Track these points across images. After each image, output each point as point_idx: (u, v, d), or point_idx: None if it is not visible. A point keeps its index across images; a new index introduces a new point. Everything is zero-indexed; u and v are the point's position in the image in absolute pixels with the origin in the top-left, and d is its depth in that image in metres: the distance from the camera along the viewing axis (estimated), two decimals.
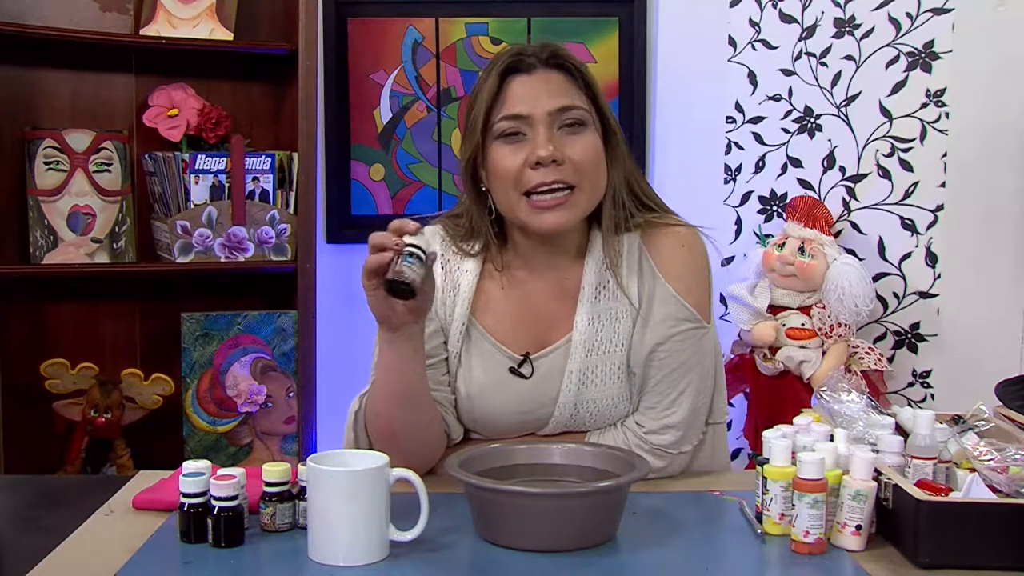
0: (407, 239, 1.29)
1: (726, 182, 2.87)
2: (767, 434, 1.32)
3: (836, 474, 1.23)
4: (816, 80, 2.82)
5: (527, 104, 1.43)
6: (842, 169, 2.84)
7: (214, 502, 1.21)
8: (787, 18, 2.82)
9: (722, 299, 2.79)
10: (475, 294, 1.52)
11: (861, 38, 2.80)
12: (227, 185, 2.48)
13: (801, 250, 2.67)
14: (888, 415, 1.42)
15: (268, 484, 1.25)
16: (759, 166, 2.86)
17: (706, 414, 1.52)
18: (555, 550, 1.19)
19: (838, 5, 2.80)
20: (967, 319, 2.82)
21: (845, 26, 2.81)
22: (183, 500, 1.23)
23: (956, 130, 2.79)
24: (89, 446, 2.44)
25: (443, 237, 1.55)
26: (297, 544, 1.21)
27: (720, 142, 2.86)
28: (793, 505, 1.21)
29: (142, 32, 2.48)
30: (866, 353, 2.70)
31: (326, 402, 2.57)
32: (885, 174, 2.82)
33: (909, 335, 2.85)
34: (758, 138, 2.85)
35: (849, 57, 2.81)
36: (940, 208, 2.81)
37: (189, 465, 1.26)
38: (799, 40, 2.82)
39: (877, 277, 2.80)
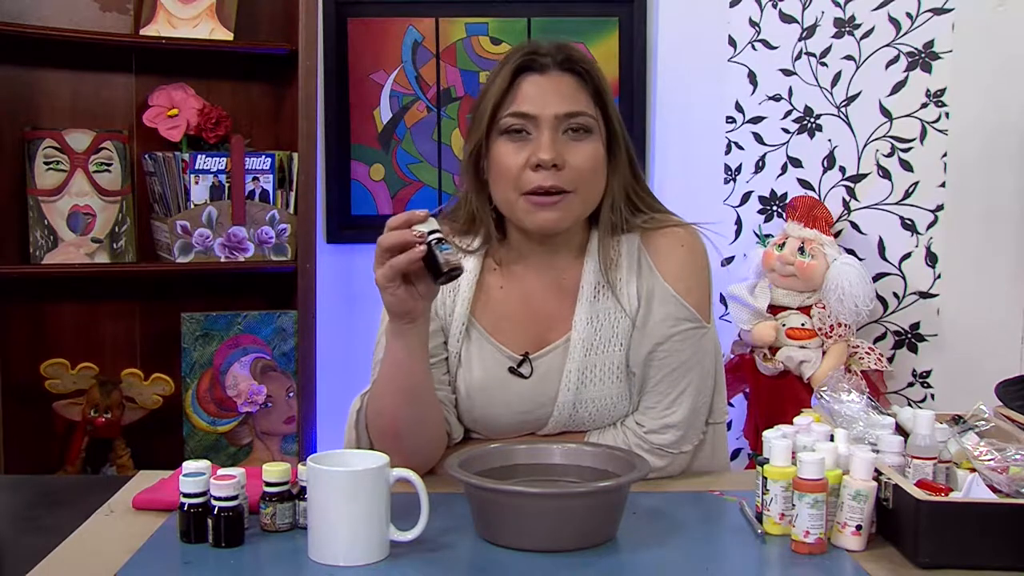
0: (425, 227, 1.30)
1: (726, 182, 2.87)
2: (767, 434, 1.32)
3: (836, 474, 1.22)
4: (816, 80, 2.82)
5: (536, 104, 1.43)
6: (842, 169, 2.84)
7: (214, 502, 1.21)
8: (787, 18, 2.82)
9: (722, 299, 2.79)
10: (475, 293, 1.52)
11: (861, 38, 2.80)
12: (227, 185, 2.48)
13: (801, 250, 2.67)
14: (888, 415, 1.42)
15: (268, 484, 1.25)
16: (759, 166, 2.86)
17: (706, 414, 1.52)
18: (555, 550, 1.19)
19: (838, 5, 2.80)
20: (967, 319, 2.82)
21: (845, 26, 2.81)
22: (183, 500, 1.23)
23: (956, 130, 2.79)
24: (89, 446, 2.44)
25: None
26: (297, 544, 1.21)
27: (720, 142, 2.86)
28: (793, 505, 1.21)
29: (142, 32, 2.48)
30: (866, 353, 2.70)
31: (326, 402, 2.57)
32: (885, 174, 2.82)
33: (909, 335, 2.85)
34: (758, 138, 2.85)
35: (849, 57, 2.81)
36: (940, 208, 2.81)
37: (189, 465, 1.25)
38: (799, 40, 2.82)
39: (877, 277, 2.80)
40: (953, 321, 2.83)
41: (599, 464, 1.33)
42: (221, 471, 1.25)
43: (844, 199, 2.83)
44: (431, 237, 1.30)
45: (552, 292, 1.52)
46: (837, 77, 2.82)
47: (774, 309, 2.72)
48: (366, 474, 1.17)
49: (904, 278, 2.83)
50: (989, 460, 1.28)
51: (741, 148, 2.86)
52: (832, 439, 1.31)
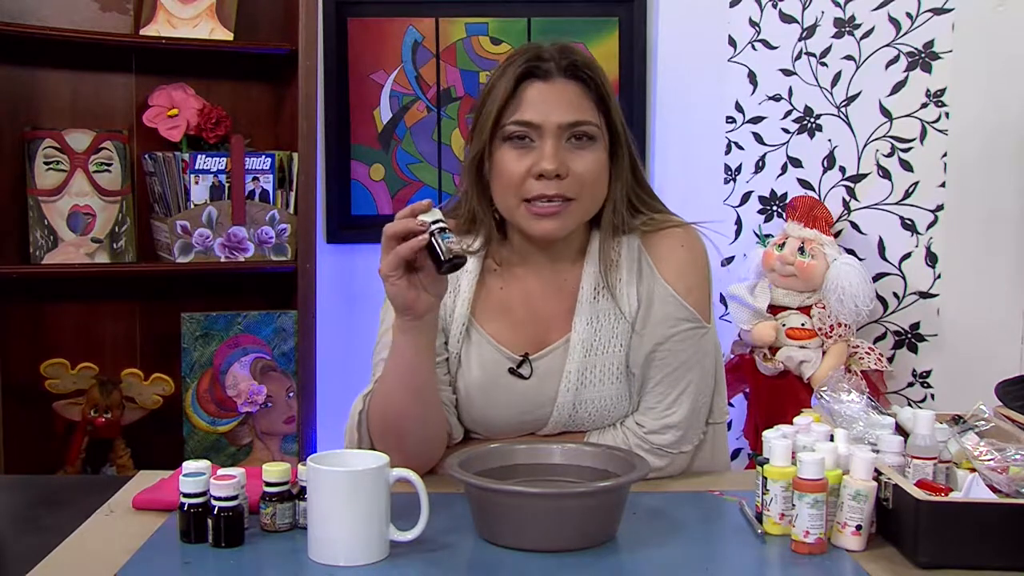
0: (428, 216, 1.31)
1: (726, 182, 2.87)
2: (767, 434, 1.32)
3: (836, 474, 1.23)
4: (816, 80, 2.82)
5: (540, 113, 1.43)
6: (842, 169, 2.84)
7: (214, 502, 1.21)
8: (787, 18, 2.82)
9: (722, 299, 2.79)
10: (475, 294, 1.52)
11: (861, 38, 2.80)
12: (227, 185, 2.48)
13: (801, 250, 2.67)
14: (888, 415, 1.42)
15: (268, 484, 1.25)
16: (759, 166, 2.86)
17: (706, 414, 1.52)
18: (555, 550, 1.19)
19: (838, 5, 2.80)
20: (967, 319, 2.82)
21: (845, 26, 2.81)
22: (183, 500, 1.23)
23: (956, 130, 2.79)
24: (89, 446, 2.44)
25: None
26: (297, 544, 1.21)
27: (720, 142, 2.86)
28: (793, 505, 1.21)
29: (142, 32, 2.48)
30: (866, 353, 2.70)
31: (326, 402, 2.56)
32: (885, 174, 2.82)
33: (909, 335, 2.85)
34: (758, 138, 2.85)
35: (849, 57, 2.81)
36: (940, 208, 2.81)
37: (189, 465, 1.25)
38: (799, 40, 2.82)
39: (877, 277, 2.80)
40: (953, 321, 2.83)
41: (599, 464, 1.33)
42: (221, 471, 1.25)
43: (844, 199, 2.83)
44: (434, 227, 1.30)
45: (552, 293, 1.52)
46: (837, 77, 2.82)
47: (774, 309, 2.72)
48: (366, 474, 1.17)
49: (904, 278, 2.83)
50: (989, 460, 1.28)
51: (741, 148, 2.86)
52: (832, 439, 1.31)
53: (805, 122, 2.84)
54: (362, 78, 2.85)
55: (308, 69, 2.47)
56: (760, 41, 2.83)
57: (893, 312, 2.85)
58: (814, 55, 2.82)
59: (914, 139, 2.80)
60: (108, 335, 2.59)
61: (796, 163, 2.85)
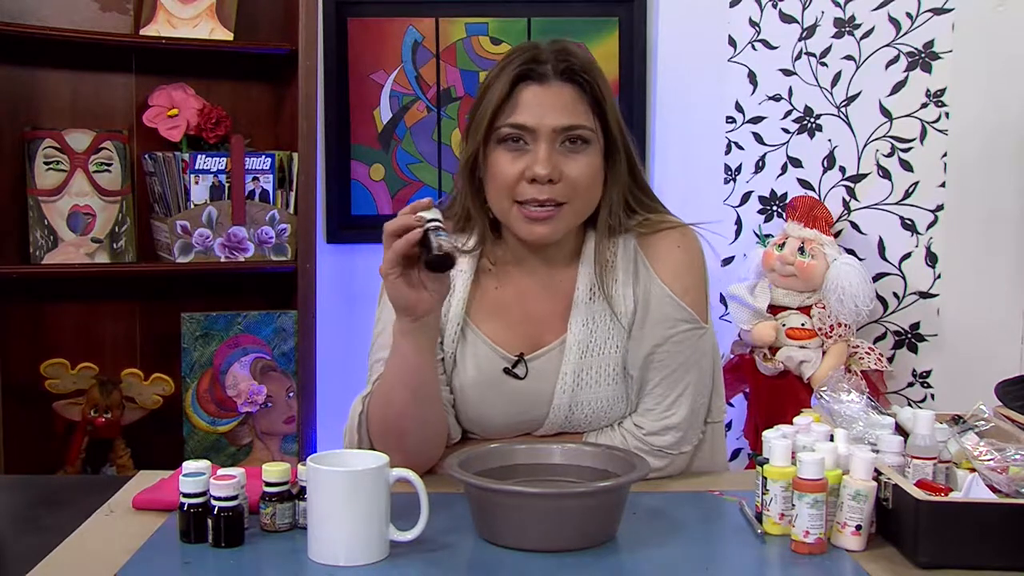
0: (428, 214, 1.32)
1: (726, 182, 2.87)
2: (767, 434, 1.32)
3: (836, 474, 1.22)
4: (816, 80, 2.82)
5: (534, 116, 1.43)
6: (842, 169, 2.84)
7: (214, 502, 1.21)
8: (787, 18, 2.82)
9: (722, 299, 2.79)
10: (470, 293, 1.52)
11: (861, 38, 2.80)
12: (227, 185, 2.48)
13: (801, 250, 2.67)
14: (888, 415, 1.42)
15: (268, 484, 1.25)
16: (759, 166, 2.86)
17: (705, 414, 1.52)
18: (555, 550, 1.19)
19: (838, 5, 2.80)
20: (967, 319, 2.82)
21: (845, 26, 2.81)
22: (183, 500, 1.23)
23: (956, 130, 2.79)
24: (89, 446, 2.44)
25: None
26: (297, 544, 1.21)
27: (720, 142, 2.86)
28: (793, 505, 1.21)
29: (142, 32, 2.48)
30: (866, 353, 2.70)
31: (326, 402, 2.57)
32: (885, 174, 2.82)
33: (909, 335, 2.85)
34: (758, 138, 2.85)
35: (849, 57, 2.81)
36: (940, 208, 2.81)
37: (189, 465, 1.25)
38: (799, 40, 2.82)
39: (877, 277, 2.80)
40: (953, 321, 2.83)
41: (599, 464, 1.33)
42: (221, 471, 1.25)
43: (844, 199, 2.83)
44: (429, 224, 1.31)
45: (547, 294, 1.52)
46: (837, 77, 2.82)
47: (774, 309, 2.72)
48: (366, 474, 1.17)
49: (904, 278, 2.83)
50: (989, 460, 1.28)
51: (741, 148, 2.86)
52: (832, 439, 1.31)
53: (805, 122, 2.84)
54: (362, 78, 2.86)
55: (308, 69, 2.47)
56: (760, 41, 2.83)
57: (893, 312, 2.85)
58: (814, 55, 2.82)
59: (914, 139, 2.80)
60: (108, 335, 2.59)
61: (796, 163, 2.85)
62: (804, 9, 2.81)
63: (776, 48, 2.83)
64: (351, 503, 1.16)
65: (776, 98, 2.84)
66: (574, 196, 1.44)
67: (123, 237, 2.49)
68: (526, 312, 1.52)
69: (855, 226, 2.84)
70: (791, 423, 1.37)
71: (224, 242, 2.47)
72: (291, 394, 2.53)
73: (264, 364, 2.51)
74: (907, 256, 2.83)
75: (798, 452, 1.24)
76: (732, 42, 2.83)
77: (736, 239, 2.88)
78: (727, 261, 2.86)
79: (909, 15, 2.78)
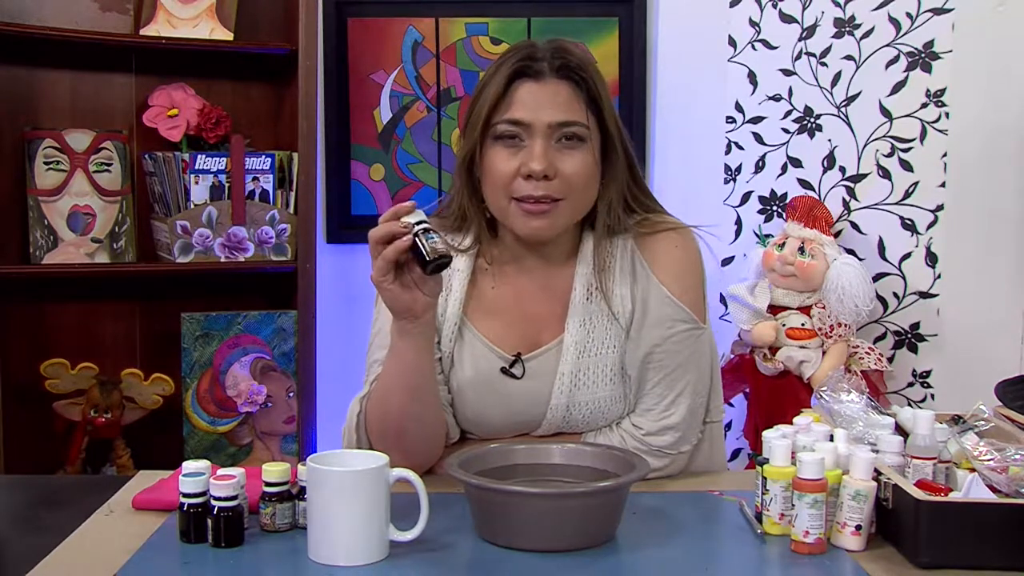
0: (411, 218, 1.31)
1: (726, 182, 2.87)
2: (767, 434, 1.32)
3: (836, 474, 1.23)
4: (816, 80, 2.82)
5: (530, 112, 1.43)
6: (842, 169, 2.84)
7: (214, 502, 1.21)
8: (787, 18, 2.82)
9: (722, 299, 2.79)
10: (467, 293, 1.52)
11: (861, 38, 2.80)
12: (227, 185, 2.48)
13: (801, 250, 2.67)
14: (888, 415, 1.42)
15: (268, 484, 1.25)
16: (759, 166, 2.86)
17: (703, 414, 1.52)
18: (555, 550, 1.19)
19: (838, 5, 2.80)
20: (967, 319, 2.82)
21: (845, 26, 2.81)
22: (183, 500, 1.23)
23: (956, 130, 2.79)
24: (89, 446, 2.44)
25: None
26: (297, 544, 1.21)
27: (720, 142, 2.86)
28: (793, 505, 1.21)
29: (142, 32, 2.48)
30: (866, 353, 2.70)
31: (326, 402, 2.57)
32: (885, 174, 2.82)
33: (909, 335, 2.85)
34: (758, 138, 2.85)
35: (849, 57, 2.81)
36: (940, 208, 2.81)
37: (189, 465, 1.26)
38: (799, 40, 2.82)
39: (877, 277, 2.80)
40: (953, 321, 2.83)
41: (599, 464, 1.33)
42: (221, 471, 1.25)
43: (844, 199, 2.83)
44: (417, 228, 1.30)
45: (544, 294, 1.52)
46: (837, 77, 2.82)
47: (774, 309, 2.72)
48: (366, 474, 1.17)
49: (904, 278, 2.83)
50: (989, 460, 1.28)
51: (741, 148, 2.86)
52: (832, 439, 1.31)
53: (805, 122, 2.84)
54: (362, 78, 2.86)
55: (308, 69, 2.48)
56: (760, 41, 2.83)
57: (893, 312, 2.85)
58: (814, 55, 2.82)
59: (914, 139, 2.80)
60: (108, 335, 2.59)
61: (796, 163, 2.85)
62: (804, 9, 2.81)
63: (776, 48, 2.83)
64: (351, 503, 1.16)
65: (776, 98, 2.84)
66: (570, 192, 1.44)
67: (123, 237, 2.49)
68: (523, 312, 1.52)
69: (855, 226, 2.84)
70: (791, 423, 1.37)
71: (224, 242, 2.47)
72: (291, 394, 2.53)
73: (264, 364, 2.51)
74: (907, 256, 2.83)
75: (798, 452, 1.24)
76: (732, 42, 2.83)
77: (736, 239, 2.88)
78: (727, 261, 2.86)
79: (909, 15, 2.78)
